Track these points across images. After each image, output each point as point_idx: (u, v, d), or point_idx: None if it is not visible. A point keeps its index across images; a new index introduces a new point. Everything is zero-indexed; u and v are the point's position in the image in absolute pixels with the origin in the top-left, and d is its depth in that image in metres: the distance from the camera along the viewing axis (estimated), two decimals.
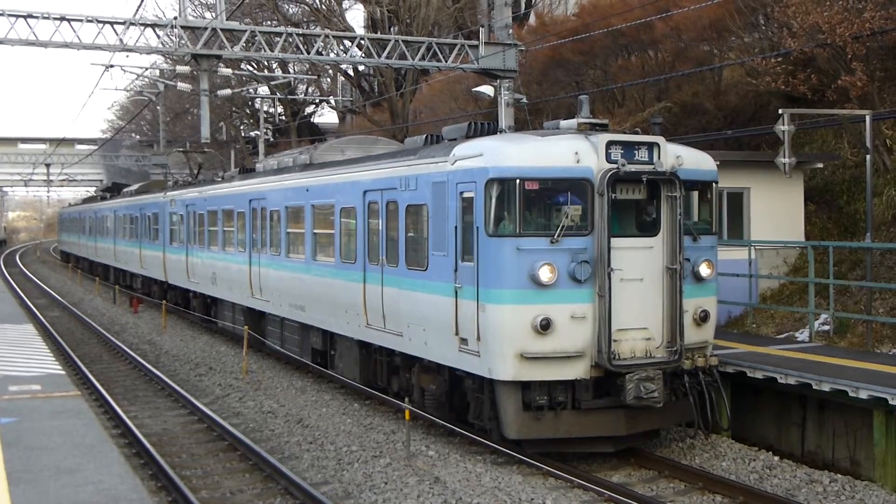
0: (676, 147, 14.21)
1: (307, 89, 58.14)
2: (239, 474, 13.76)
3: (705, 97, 28.20)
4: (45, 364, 18.56)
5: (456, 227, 13.96)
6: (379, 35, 29.69)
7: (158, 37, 24.67)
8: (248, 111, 61.08)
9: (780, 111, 18.45)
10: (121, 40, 23.28)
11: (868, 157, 18.53)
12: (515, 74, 26.14)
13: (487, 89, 26.82)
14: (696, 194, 14.53)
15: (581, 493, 12.56)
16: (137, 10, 27.93)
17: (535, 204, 13.38)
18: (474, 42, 25.88)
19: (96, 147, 78.03)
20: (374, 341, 16.97)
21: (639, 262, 13.55)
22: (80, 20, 22.78)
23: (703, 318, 14.10)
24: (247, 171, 27.65)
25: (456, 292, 13.92)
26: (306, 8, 49.34)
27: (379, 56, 25.63)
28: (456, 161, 14.11)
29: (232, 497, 12.67)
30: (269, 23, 47.20)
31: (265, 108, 47.89)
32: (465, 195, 13.78)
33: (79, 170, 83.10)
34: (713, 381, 13.97)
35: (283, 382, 20.49)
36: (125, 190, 47.07)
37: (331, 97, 55.28)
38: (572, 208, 13.19)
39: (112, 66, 36.51)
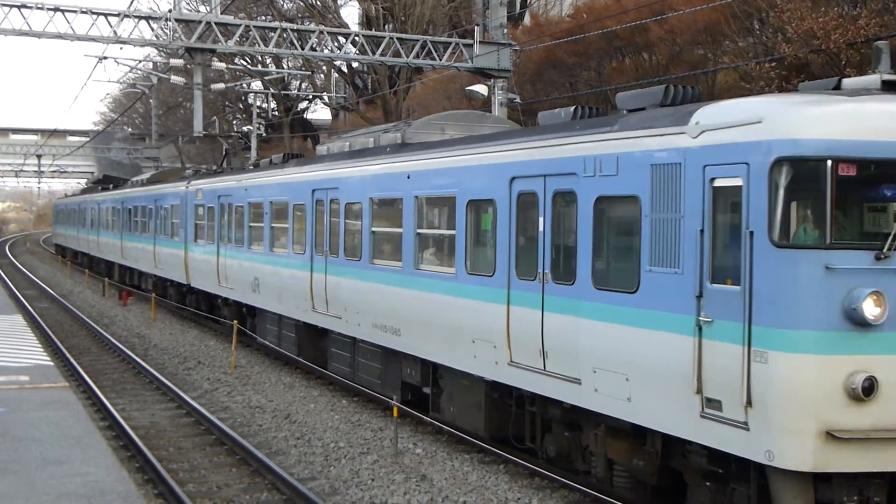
0: None
1: (301, 85, 58.17)
2: (226, 468, 13.75)
3: None
4: (33, 355, 18.59)
5: (702, 232, 9.60)
6: (373, 32, 29.72)
7: (153, 29, 24.61)
8: (241, 106, 61.13)
9: None
10: (115, 32, 23.31)
11: None
12: (509, 74, 26.24)
13: (481, 88, 26.90)
14: None
15: (567, 494, 12.58)
16: (132, 3, 27.90)
17: (852, 199, 9.13)
18: (469, 41, 26.00)
19: (88, 139, 77.86)
20: (523, 386, 12.53)
21: None
22: (75, 11, 22.82)
23: None
24: (293, 158, 23.44)
25: (700, 329, 9.57)
26: (301, 3, 49.45)
27: (373, 53, 25.67)
28: (702, 132, 9.67)
29: (219, 491, 12.66)
30: (263, 18, 47.29)
31: (258, 104, 47.83)
32: (722, 183, 9.44)
33: (70, 161, 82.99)
34: None
35: (271, 378, 20.48)
36: (135, 179, 42.97)
37: (324, 93, 55.38)
38: None
39: (105, 57, 36.38)
